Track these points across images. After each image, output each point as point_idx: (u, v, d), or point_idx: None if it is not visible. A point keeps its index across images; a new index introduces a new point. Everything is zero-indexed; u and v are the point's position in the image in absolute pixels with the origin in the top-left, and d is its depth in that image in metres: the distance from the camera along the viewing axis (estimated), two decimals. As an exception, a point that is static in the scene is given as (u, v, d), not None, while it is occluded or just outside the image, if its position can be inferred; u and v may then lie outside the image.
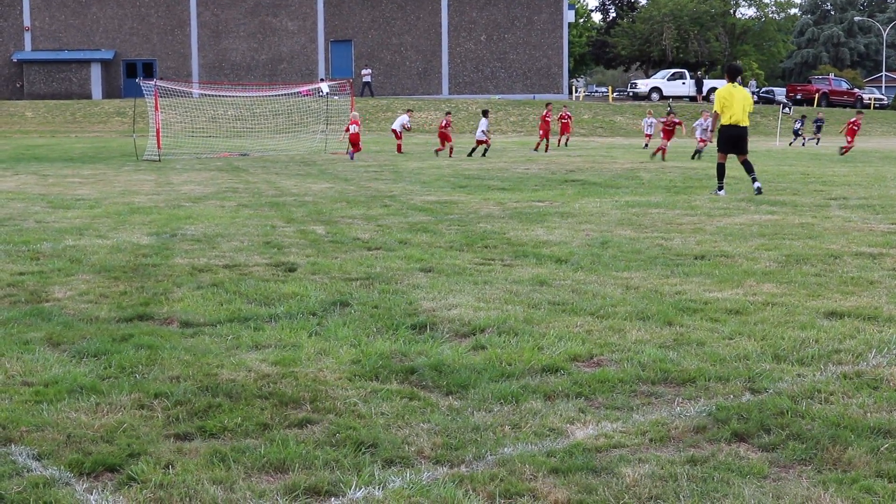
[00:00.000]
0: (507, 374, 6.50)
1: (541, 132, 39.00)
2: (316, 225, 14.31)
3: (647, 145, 41.74)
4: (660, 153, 32.02)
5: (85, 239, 12.74)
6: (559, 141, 41.66)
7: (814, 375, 6.51)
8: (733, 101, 18.79)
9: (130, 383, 6.28)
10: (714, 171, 20.85)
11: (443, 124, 35.06)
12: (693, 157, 32.28)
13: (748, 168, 19.17)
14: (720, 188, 19.22)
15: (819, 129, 51.32)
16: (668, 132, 33.44)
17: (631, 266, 10.61)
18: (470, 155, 33.48)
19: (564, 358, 6.87)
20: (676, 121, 34.53)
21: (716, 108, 19.12)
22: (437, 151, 34.26)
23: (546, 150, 37.88)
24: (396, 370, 6.60)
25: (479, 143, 34.22)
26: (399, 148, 36.45)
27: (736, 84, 19.09)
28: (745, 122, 19.00)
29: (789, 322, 7.97)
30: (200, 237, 12.91)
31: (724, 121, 18.92)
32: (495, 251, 11.77)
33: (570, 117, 43.22)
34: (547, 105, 41.88)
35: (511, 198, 18.47)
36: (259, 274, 10.15)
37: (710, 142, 31.75)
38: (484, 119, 34.39)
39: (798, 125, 50.86)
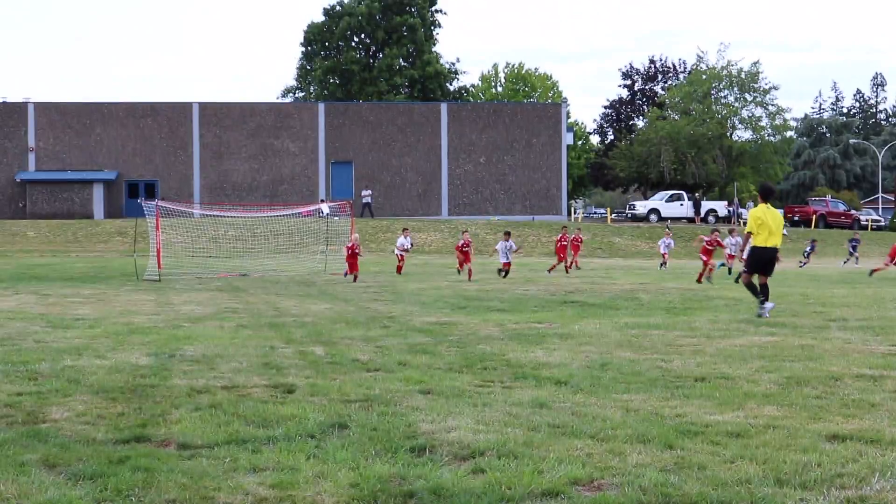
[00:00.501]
0: (507, 499, 6.44)
1: (559, 255, 39.03)
2: (315, 346, 14.29)
3: (664, 265, 41.75)
4: (706, 274, 31.51)
5: (83, 359, 12.71)
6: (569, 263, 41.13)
7: (817, 500, 6.45)
8: (768, 222, 18.54)
9: (126, 507, 6.22)
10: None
11: (461, 244, 34.06)
12: (732, 276, 32.42)
13: (765, 293, 18.78)
14: (763, 302, 18.64)
15: (855, 248, 51.62)
16: (710, 252, 33.01)
17: (631, 388, 10.57)
18: (505, 276, 33.37)
19: (565, 482, 6.81)
20: (719, 240, 34.04)
21: (749, 228, 18.80)
22: (458, 270, 33.64)
23: (567, 270, 37.90)
24: (395, 494, 6.54)
25: (506, 265, 33.70)
26: (399, 269, 36.37)
27: (769, 205, 18.89)
28: (779, 244, 18.83)
29: (791, 445, 7.92)
30: (199, 358, 12.88)
31: (759, 242, 18.62)
32: (495, 373, 11.73)
33: (581, 241, 42.97)
34: (563, 227, 42.06)
35: (510, 319, 18.47)
36: (257, 395, 10.10)
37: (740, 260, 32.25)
38: (505, 242, 33.80)
39: (808, 248, 51.22)
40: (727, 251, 36.02)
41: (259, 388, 10.58)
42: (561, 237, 39.35)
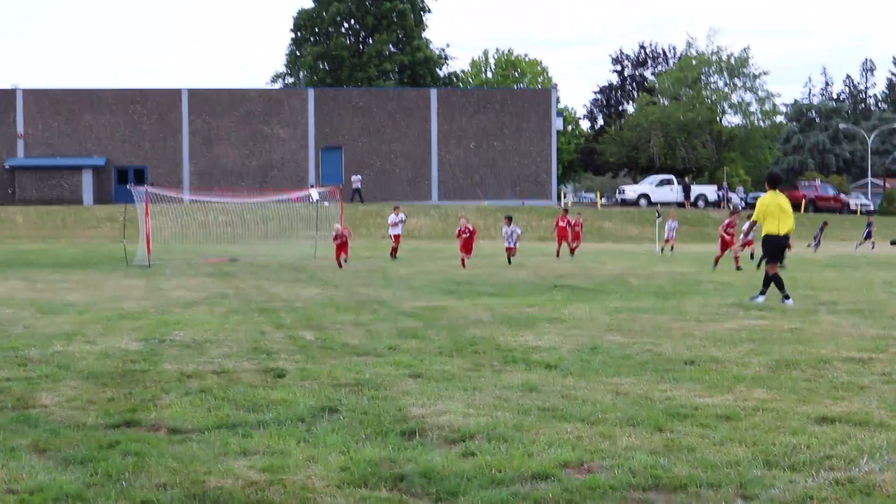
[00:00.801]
0: (497, 481, 6.45)
1: (562, 238, 38.58)
2: (305, 331, 14.29)
3: (663, 250, 41.46)
4: (734, 260, 30.91)
5: (73, 345, 12.70)
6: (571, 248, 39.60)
7: (806, 482, 6.47)
8: (777, 209, 18.29)
9: (117, 491, 6.22)
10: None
11: (461, 229, 31.68)
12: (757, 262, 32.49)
13: (767, 283, 18.57)
14: (787, 297, 18.27)
15: (870, 233, 51.74)
16: (731, 236, 32.37)
17: (621, 372, 10.60)
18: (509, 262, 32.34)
19: (555, 464, 6.83)
20: (734, 223, 33.06)
21: (756, 216, 18.68)
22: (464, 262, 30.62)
23: (558, 254, 37.75)
24: (385, 477, 6.54)
25: (509, 250, 32.76)
26: (393, 252, 36.07)
27: (777, 192, 18.59)
28: (792, 231, 18.56)
29: (780, 428, 7.94)
30: (189, 343, 12.88)
31: (772, 230, 18.38)
32: (485, 357, 11.74)
33: (580, 226, 41.34)
34: (564, 211, 41.43)
35: (500, 303, 18.48)
36: (248, 380, 10.10)
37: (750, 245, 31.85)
38: (507, 227, 32.86)
39: (818, 232, 51.04)
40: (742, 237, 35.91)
41: (249, 372, 10.59)
42: (559, 218, 39.06)
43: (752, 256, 34.00)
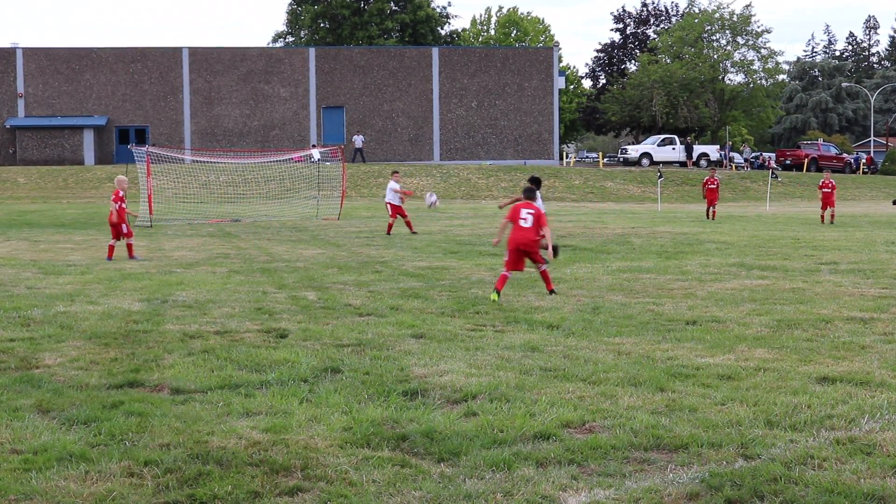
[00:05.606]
0: (499, 441, 6.47)
1: (708, 199, 37.02)
2: (307, 291, 14.30)
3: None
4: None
5: (76, 305, 12.71)
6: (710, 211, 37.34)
7: (807, 441, 6.49)
8: None
9: (120, 451, 6.25)
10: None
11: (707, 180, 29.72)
12: None
13: None
14: None
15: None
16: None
17: (622, 332, 10.61)
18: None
19: (556, 424, 6.85)
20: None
21: None
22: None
23: (712, 217, 36.24)
24: (388, 437, 6.57)
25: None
26: (389, 228, 28.42)
27: None
28: None
29: (781, 387, 7.96)
30: (191, 303, 12.89)
31: None
32: (487, 317, 11.76)
33: (711, 181, 37.83)
34: (712, 171, 39.98)
35: (502, 263, 18.45)
36: (250, 340, 10.12)
37: None
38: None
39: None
40: None
41: (252, 333, 10.61)
42: (707, 181, 37.42)
43: None
